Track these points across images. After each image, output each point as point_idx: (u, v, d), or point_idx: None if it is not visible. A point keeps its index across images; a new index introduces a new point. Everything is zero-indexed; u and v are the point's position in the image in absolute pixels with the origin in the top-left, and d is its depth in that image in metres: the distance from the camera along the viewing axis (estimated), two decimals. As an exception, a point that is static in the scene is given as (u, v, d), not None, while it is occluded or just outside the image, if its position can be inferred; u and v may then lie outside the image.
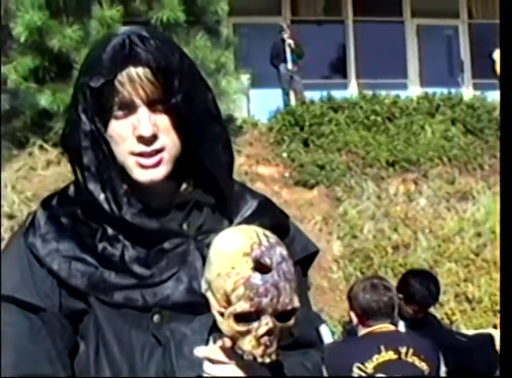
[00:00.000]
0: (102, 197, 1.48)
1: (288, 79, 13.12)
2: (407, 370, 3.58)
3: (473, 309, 8.48)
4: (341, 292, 8.42)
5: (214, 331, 1.38)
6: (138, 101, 1.45)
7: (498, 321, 6.20)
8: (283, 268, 1.30)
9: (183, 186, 1.55)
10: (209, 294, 1.34)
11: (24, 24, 9.06)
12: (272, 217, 1.61)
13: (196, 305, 1.43)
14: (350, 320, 4.13)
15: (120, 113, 1.47)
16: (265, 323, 1.29)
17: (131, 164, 1.48)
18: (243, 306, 1.28)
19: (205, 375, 1.38)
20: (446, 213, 9.90)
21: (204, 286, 1.35)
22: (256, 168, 10.56)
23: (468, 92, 14.10)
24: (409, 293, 4.47)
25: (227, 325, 1.31)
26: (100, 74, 1.45)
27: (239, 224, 1.51)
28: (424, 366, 3.61)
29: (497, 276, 8.40)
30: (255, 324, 1.29)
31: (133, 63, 1.44)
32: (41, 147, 9.65)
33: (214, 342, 1.39)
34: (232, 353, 1.34)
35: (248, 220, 1.53)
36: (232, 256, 1.30)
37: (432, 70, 15.13)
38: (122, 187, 1.49)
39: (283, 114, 11.82)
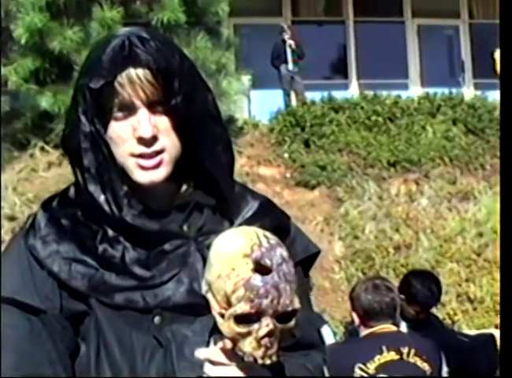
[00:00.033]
0: (102, 198, 1.48)
1: (289, 79, 13.13)
2: (409, 370, 3.57)
3: (474, 309, 8.47)
4: (343, 293, 8.41)
5: (215, 332, 1.38)
6: (138, 103, 1.45)
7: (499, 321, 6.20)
8: (284, 269, 1.30)
9: (184, 187, 1.55)
10: (209, 296, 1.34)
11: (24, 25, 9.06)
12: (273, 218, 1.61)
13: (197, 306, 1.43)
14: (352, 321, 4.12)
15: (120, 114, 1.47)
16: (266, 324, 1.29)
17: (132, 165, 1.48)
18: (243, 308, 1.28)
19: (205, 376, 1.38)
20: (447, 213, 9.90)
21: (204, 287, 1.35)
22: (257, 169, 10.56)
23: (469, 92, 14.09)
24: (411, 294, 4.46)
25: (227, 327, 1.31)
26: (100, 75, 1.45)
27: (240, 225, 1.51)
28: (426, 366, 3.61)
29: (499, 276, 8.39)
30: (256, 326, 1.29)
31: (133, 64, 1.44)
32: (42, 149, 9.66)
33: (215, 343, 1.38)
34: (233, 354, 1.34)
35: (249, 221, 1.53)
36: (232, 257, 1.29)
37: (432, 70, 15.13)
38: (122, 189, 1.49)
39: (284, 115, 11.82)
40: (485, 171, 10.81)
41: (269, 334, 1.29)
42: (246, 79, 11.85)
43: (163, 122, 1.47)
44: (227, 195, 1.55)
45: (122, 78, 1.44)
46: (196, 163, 1.52)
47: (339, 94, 12.61)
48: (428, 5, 14.95)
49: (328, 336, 5.51)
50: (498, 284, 8.34)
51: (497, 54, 11.90)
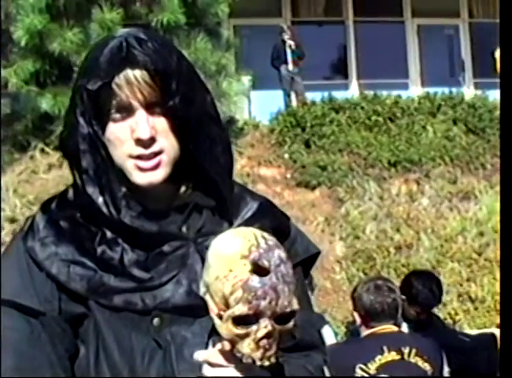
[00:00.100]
0: (100, 200, 1.48)
1: (289, 80, 13.13)
2: (410, 371, 3.57)
3: (476, 308, 8.47)
4: (344, 293, 8.41)
5: (214, 334, 1.38)
6: (135, 104, 1.45)
7: (501, 321, 6.19)
8: (282, 270, 1.29)
9: (183, 188, 1.55)
10: (207, 297, 1.33)
11: (24, 27, 9.07)
12: (272, 219, 1.60)
13: (196, 308, 1.42)
14: (354, 321, 4.12)
15: (117, 115, 1.46)
16: (264, 326, 1.28)
17: (130, 167, 1.47)
18: (241, 309, 1.27)
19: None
20: (448, 212, 9.90)
21: (202, 289, 1.34)
22: (258, 169, 10.56)
23: (469, 91, 14.09)
24: (412, 294, 4.46)
25: (225, 328, 1.30)
26: (97, 77, 1.44)
27: (240, 225, 1.50)
28: (427, 367, 3.60)
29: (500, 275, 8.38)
30: (254, 327, 1.29)
31: (130, 65, 1.44)
32: (42, 151, 9.66)
33: (213, 345, 1.38)
34: (231, 356, 1.33)
35: (248, 222, 1.52)
36: (230, 258, 1.29)
37: (433, 70, 15.13)
38: (121, 190, 1.49)
39: (284, 115, 11.83)
40: (486, 170, 10.81)
41: (268, 335, 1.29)
42: (246, 79, 11.85)
43: (161, 123, 1.46)
44: (226, 196, 1.54)
45: (120, 79, 1.44)
46: (195, 164, 1.51)
47: (339, 95, 12.62)
48: (427, 5, 14.95)
49: (330, 337, 5.50)
50: (499, 284, 8.33)
51: (497, 53, 11.90)
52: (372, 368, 3.55)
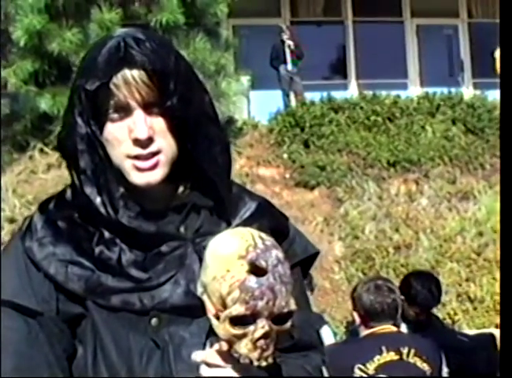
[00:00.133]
0: (98, 200, 1.48)
1: (288, 80, 13.13)
2: (409, 371, 3.57)
3: (475, 308, 8.47)
4: (343, 293, 8.42)
5: (212, 334, 1.38)
6: (133, 104, 1.44)
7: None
8: (279, 270, 1.29)
9: (181, 188, 1.54)
10: (204, 298, 1.33)
11: (23, 27, 9.07)
12: (271, 219, 1.60)
13: (194, 308, 1.42)
14: (353, 321, 4.12)
15: (115, 115, 1.46)
16: (261, 326, 1.28)
17: (128, 167, 1.47)
18: (238, 309, 1.27)
19: None
20: (447, 212, 9.90)
21: (200, 289, 1.34)
22: (257, 169, 10.56)
23: (468, 91, 14.10)
24: (411, 295, 4.45)
25: (223, 329, 1.30)
26: (95, 77, 1.44)
27: (238, 226, 1.50)
28: (425, 367, 3.60)
29: (499, 275, 8.39)
30: (251, 328, 1.29)
31: (128, 65, 1.43)
32: (41, 151, 9.66)
33: (211, 345, 1.38)
34: (229, 356, 1.33)
35: (247, 222, 1.52)
36: (228, 259, 1.29)
37: (432, 70, 15.13)
38: (118, 191, 1.49)
39: (283, 115, 11.83)
40: (485, 170, 10.81)
41: (265, 336, 1.29)
42: (245, 79, 11.86)
43: (159, 123, 1.46)
44: (224, 196, 1.54)
45: (117, 79, 1.44)
46: (193, 164, 1.51)
47: (338, 95, 12.62)
48: (427, 5, 14.95)
49: (329, 337, 5.50)
50: (498, 284, 8.33)
51: (497, 53, 11.89)
52: (371, 368, 3.55)
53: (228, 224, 1.54)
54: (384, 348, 3.59)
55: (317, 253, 1.70)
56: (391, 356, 3.58)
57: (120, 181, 1.49)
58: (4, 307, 1.49)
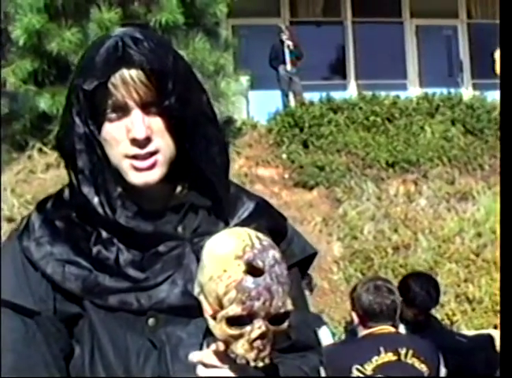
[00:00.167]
0: (96, 200, 1.47)
1: (287, 80, 13.13)
2: (407, 372, 3.56)
3: (473, 309, 8.48)
4: (342, 293, 8.43)
5: (209, 334, 1.37)
6: (131, 104, 1.44)
7: (498, 322, 6.21)
8: (276, 271, 1.29)
9: (179, 188, 1.54)
10: (201, 298, 1.33)
11: (22, 27, 9.07)
12: (269, 219, 1.60)
13: (192, 308, 1.41)
14: (352, 321, 4.11)
15: (113, 115, 1.46)
16: (258, 326, 1.28)
17: (126, 166, 1.47)
18: (235, 310, 1.27)
19: None
20: (446, 213, 9.91)
21: (196, 289, 1.34)
22: (256, 169, 10.57)
23: (467, 92, 14.11)
24: (409, 297, 4.44)
25: (219, 329, 1.30)
26: (93, 76, 1.44)
27: (236, 226, 1.50)
28: (423, 368, 3.60)
29: (497, 276, 8.40)
30: (248, 328, 1.28)
31: (126, 65, 1.43)
32: (40, 150, 9.66)
33: (208, 346, 1.38)
34: (225, 357, 1.33)
35: (245, 222, 1.52)
36: (224, 259, 1.28)
37: (431, 70, 15.14)
38: (116, 190, 1.48)
39: (282, 116, 11.84)
40: (484, 171, 10.82)
41: (262, 336, 1.29)
42: (244, 79, 11.87)
43: (157, 123, 1.46)
44: (222, 196, 1.54)
45: (115, 79, 1.43)
46: (191, 164, 1.51)
47: (337, 95, 12.63)
48: (426, 6, 14.96)
49: (327, 337, 5.51)
50: (496, 284, 8.34)
51: (497, 54, 11.90)
52: (369, 368, 3.55)
53: (226, 224, 1.53)
54: (382, 349, 3.59)
55: (315, 254, 1.70)
56: (389, 357, 3.58)
57: (118, 181, 1.48)
58: (1, 307, 1.49)
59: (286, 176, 10.59)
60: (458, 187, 10.42)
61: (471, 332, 6.78)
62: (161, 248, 1.49)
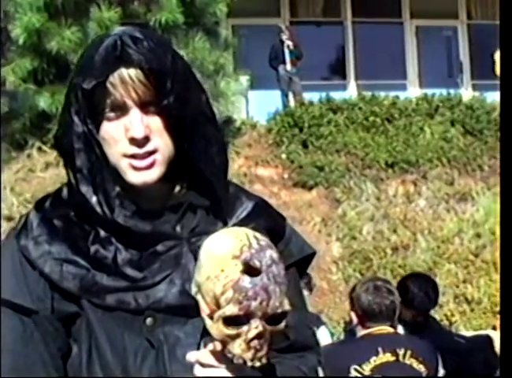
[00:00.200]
0: (94, 199, 1.47)
1: (287, 80, 13.13)
2: (405, 372, 3.56)
3: (472, 310, 8.48)
4: (340, 294, 8.43)
5: (207, 334, 1.37)
6: (130, 103, 1.44)
7: (497, 322, 6.21)
8: (273, 271, 1.29)
9: (177, 188, 1.54)
10: (198, 297, 1.33)
11: (22, 25, 9.07)
12: (267, 219, 1.60)
13: (189, 307, 1.41)
14: (351, 321, 4.11)
15: (112, 114, 1.45)
16: (255, 326, 1.28)
17: (124, 166, 1.47)
18: (231, 310, 1.27)
19: None
20: (445, 214, 9.92)
21: (194, 289, 1.34)
22: (255, 169, 10.57)
23: (467, 93, 14.11)
24: (408, 298, 4.43)
25: (216, 329, 1.30)
26: (92, 75, 1.44)
27: (234, 225, 1.50)
28: (422, 368, 3.60)
29: (496, 277, 8.40)
30: (245, 328, 1.28)
31: (125, 64, 1.43)
32: (40, 149, 9.66)
33: (205, 345, 1.38)
34: (222, 356, 1.33)
35: (243, 222, 1.52)
36: (222, 258, 1.28)
37: (431, 71, 15.14)
38: (114, 190, 1.48)
39: (282, 115, 11.84)
40: (483, 172, 10.82)
41: (259, 336, 1.28)
42: (244, 79, 11.87)
43: (155, 122, 1.46)
44: (220, 196, 1.53)
45: (114, 78, 1.43)
46: (190, 164, 1.51)
47: (337, 95, 12.63)
48: (426, 6, 14.96)
49: (326, 337, 5.51)
50: (495, 285, 8.35)
51: (497, 55, 11.90)
52: (367, 369, 3.55)
53: (225, 224, 1.53)
54: (380, 349, 3.59)
55: (313, 254, 1.69)
56: (388, 357, 3.58)
57: (117, 180, 1.48)
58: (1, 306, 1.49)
59: (285, 175, 10.59)
60: (458, 188, 10.42)
61: (469, 333, 6.78)
62: (159, 247, 1.49)
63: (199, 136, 1.50)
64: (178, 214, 1.52)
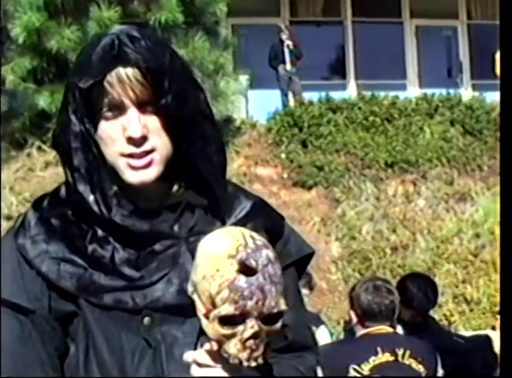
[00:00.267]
0: (91, 198, 1.47)
1: (287, 80, 13.13)
2: (404, 372, 3.56)
3: (471, 310, 8.48)
4: (340, 293, 8.43)
5: (203, 334, 1.37)
6: (127, 102, 1.44)
7: (496, 323, 6.21)
8: (269, 270, 1.29)
9: (175, 187, 1.53)
10: (195, 297, 1.33)
11: (22, 25, 9.07)
12: (266, 218, 1.59)
13: (187, 307, 1.40)
14: (350, 320, 4.11)
15: (109, 113, 1.45)
16: (251, 326, 1.28)
17: (122, 165, 1.46)
18: (227, 309, 1.27)
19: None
20: (444, 214, 9.92)
21: (190, 288, 1.34)
22: (254, 169, 10.57)
23: (467, 93, 14.11)
24: (407, 298, 4.42)
25: (212, 328, 1.30)
26: (89, 75, 1.43)
27: (232, 225, 1.49)
28: (421, 368, 3.59)
29: (496, 277, 8.41)
30: (240, 328, 1.28)
31: (122, 63, 1.43)
32: (39, 148, 9.66)
33: (202, 345, 1.38)
34: (218, 356, 1.33)
35: (242, 221, 1.51)
36: (217, 258, 1.28)
37: (430, 71, 15.14)
38: (112, 189, 1.48)
39: (281, 115, 11.84)
40: (482, 172, 10.82)
41: (254, 336, 1.28)
42: (243, 79, 11.87)
43: (153, 122, 1.45)
44: (219, 195, 1.53)
45: (111, 77, 1.43)
46: (188, 163, 1.50)
47: (336, 95, 12.63)
48: (426, 6, 14.96)
49: (326, 337, 5.50)
50: (494, 285, 8.35)
51: (498, 55, 11.90)
52: (366, 369, 3.54)
53: (223, 223, 1.53)
54: (379, 349, 3.58)
55: (312, 254, 1.69)
56: (387, 357, 3.57)
57: (114, 179, 1.48)
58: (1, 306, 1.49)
59: (285, 175, 10.59)
60: (457, 188, 10.42)
61: (469, 333, 6.78)
62: (157, 247, 1.49)
63: (197, 135, 1.49)
64: (176, 213, 1.51)
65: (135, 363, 1.45)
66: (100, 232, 1.49)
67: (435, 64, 15.24)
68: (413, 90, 14.52)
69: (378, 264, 8.92)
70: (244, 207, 1.58)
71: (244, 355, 1.28)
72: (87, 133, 1.46)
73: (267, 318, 1.29)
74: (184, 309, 1.43)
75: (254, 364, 1.29)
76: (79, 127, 1.46)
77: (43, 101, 9.29)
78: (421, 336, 3.99)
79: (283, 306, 1.30)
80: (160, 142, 1.46)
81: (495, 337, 4.58)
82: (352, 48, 15.39)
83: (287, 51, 13.08)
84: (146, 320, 1.46)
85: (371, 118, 11.61)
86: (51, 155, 9.25)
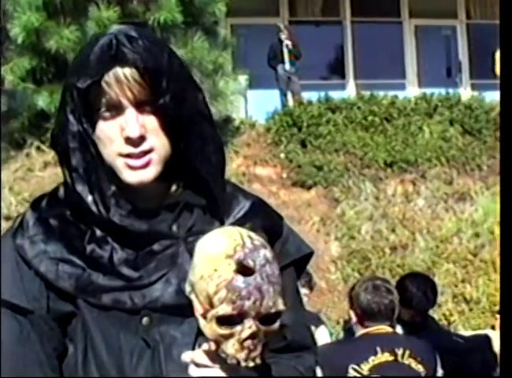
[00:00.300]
0: (89, 199, 1.47)
1: (286, 80, 13.13)
2: (403, 372, 3.56)
3: (470, 309, 8.48)
4: (339, 293, 8.43)
5: (201, 334, 1.37)
6: (125, 102, 1.43)
7: (496, 322, 6.21)
8: (267, 270, 1.28)
9: (173, 187, 1.53)
10: (192, 297, 1.32)
11: (21, 25, 9.07)
12: (264, 218, 1.59)
13: (185, 307, 1.40)
14: (350, 320, 4.11)
15: (107, 114, 1.45)
16: (249, 326, 1.27)
17: (120, 165, 1.46)
18: (225, 309, 1.27)
19: None
20: (444, 213, 9.92)
21: (188, 288, 1.34)
22: (254, 168, 10.57)
23: (466, 93, 14.11)
24: (406, 298, 4.42)
25: (209, 328, 1.30)
26: (87, 75, 1.43)
27: (231, 225, 1.49)
28: (420, 368, 3.59)
29: (495, 276, 8.41)
30: (238, 328, 1.28)
31: (120, 63, 1.42)
32: (38, 148, 9.66)
33: (200, 345, 1.37)
34: (216, 356, 1.32)
35: (240, 221, 1.51)
36: (215, 258, 1.28)
37: (430, 71, 15.15)
38: (110, 189, 1.48)
39: (280, 115, 11.84)
40: (482, 171, 10.82)
41: (252, 336, 1.28)
42: (243, 79, 11.87)
43: (151, 122, 1.45)
44: (217, 195, 1.53)
45: (109, 77, 1.43)
46: (186, 163, 1.50)
47: (335, 95, 12.63)
48: (425, 6, 14.96)
49: (326, 337, 5.51)
50: (494, 285, 8.35)
51: (498, 55, 11.90)
52: (365, 368, 3.54)
53: (222, 223, 1.52)
54: (378, 349, 3.58)
55: (311, 253, 1.69)
56: (386, 357, 3.57)
57: (112, 179, 1.48)
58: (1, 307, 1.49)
59: (284, 175, 10.59)
60: (456, 188, 10.42)
61: (468, 333, 6.77)
62: (156, 247, 1.48)
63: (196, 135, 1.49)
64: (174, 213, 1.51)
65: (134, 363, 1.45)
66: (98, 232, 1.48)
67: (435, 64, 15.25)
68: (412, 90, 14.52)
69: (377, 263, 8.92)
70: (243, 207, 1.58)
71: (242, 355, 1.28)
72: (85, 133, 1.46)
73: (265, 318, 1.29)
74: (183, 309, 1.43)
75: (251, 364, 1.29)
76: (77, 127, 1.46)
77: (42, 101, 9.29)
78: (420, 336, 3.99)
79: (281, 306, 1.30)
80: (158, 142, 1.46)
81: (495, 337, 4.58)
82: (351, 48, 15.39)
83: (286, 51, 13.08)
84: (145, 320, 1.46)
85: (370, 118, 11.61)
86: (50, 155, 9.25)
